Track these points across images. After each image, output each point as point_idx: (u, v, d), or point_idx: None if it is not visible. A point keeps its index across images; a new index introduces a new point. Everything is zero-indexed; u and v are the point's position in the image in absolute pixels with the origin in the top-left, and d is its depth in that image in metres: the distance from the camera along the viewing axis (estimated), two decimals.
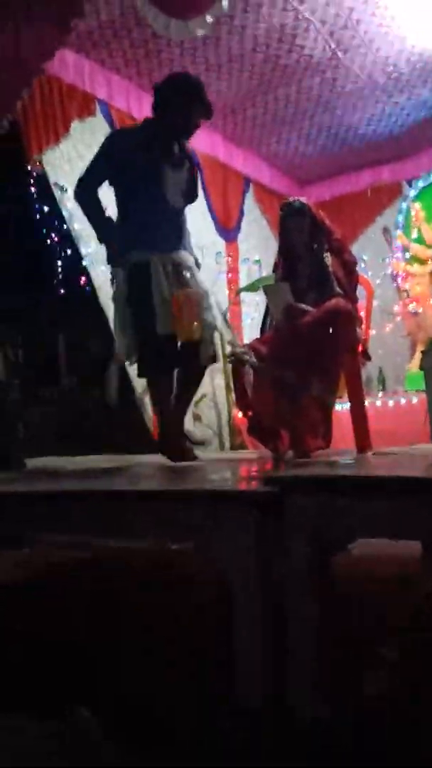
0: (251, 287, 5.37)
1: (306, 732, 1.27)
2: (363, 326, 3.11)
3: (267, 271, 5.15)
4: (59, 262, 4.63)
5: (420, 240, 5.89)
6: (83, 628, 1.85)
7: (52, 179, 4.36)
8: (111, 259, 2.81)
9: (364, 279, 3.93)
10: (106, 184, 2.79)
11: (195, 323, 2.65)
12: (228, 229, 5.84)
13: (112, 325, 4.60)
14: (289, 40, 4.36)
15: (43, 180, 4.38)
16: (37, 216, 4.54)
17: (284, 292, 2.70)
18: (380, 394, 5.42)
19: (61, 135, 4.31)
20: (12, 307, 4.55)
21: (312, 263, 2.80)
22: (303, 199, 2.91)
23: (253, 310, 5.70)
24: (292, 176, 6.53)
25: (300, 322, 2.61)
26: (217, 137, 5.60)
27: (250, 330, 5.61)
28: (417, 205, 5.93)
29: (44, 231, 4.55)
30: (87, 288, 4.65)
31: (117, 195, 2.80)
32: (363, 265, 6.11)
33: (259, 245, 6.11)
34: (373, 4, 4.04)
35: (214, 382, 5.49)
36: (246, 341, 4.88)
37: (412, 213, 5.94)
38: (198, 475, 2.30)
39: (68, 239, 4.51)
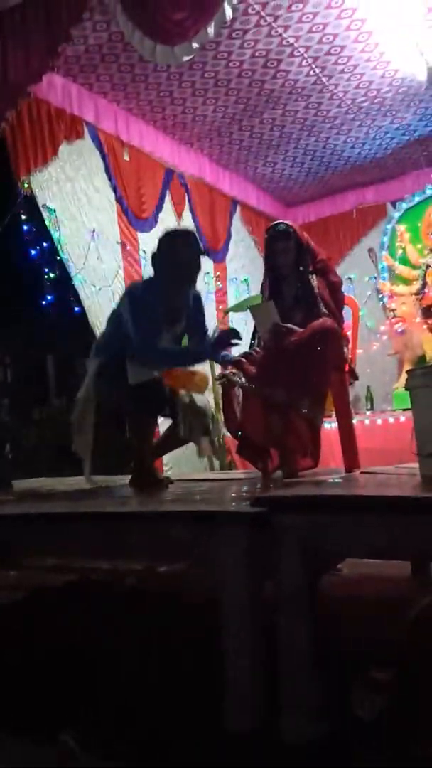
0: (239, 307, 5.40)
1: (298, 754, 1.25)
2: (350, 346, 3.14)
3: (255, 290, 5.19)
4: (48, 283, 4.63)
5: (405, 260, 5.97)
6: (73, 650, 1.83)
7: (40, 201, 4.38)
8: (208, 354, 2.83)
9: (350, 299, 3.97)
10: None
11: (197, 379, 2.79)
12: (216, 250, 5.89)
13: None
14: (274, 66, 4.44)
15: (31, 202, 4.40)
16: (26, 237, 4.55)
17: (270, 312, 2.72)
18: (368, 412, 5.45)
19: (49, 157, 4.34)
20: (0, 327, 4.55)
21: (298, 284, 2.83)
22: (288, 222, 2.95)
23: (241, 330, 5.72)
24: (278, 198, 6.61)
25: (287, 342, 2.62)
26: (205, 160, 5.67)
27: (239, 349, 5.62)
28: (402, 227, 6.02)
29: (33, 252, 4.55)
30: (76, 308, 4.66)
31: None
32: (350, 284, 6.20)
33: (246, 265, 6.17)
34: (356, 30, 4.13)
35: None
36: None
37: (397, 234, 6.03)
38: (188, 496, 2.29)
39: (57, 260, 4.52)
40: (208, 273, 5.81)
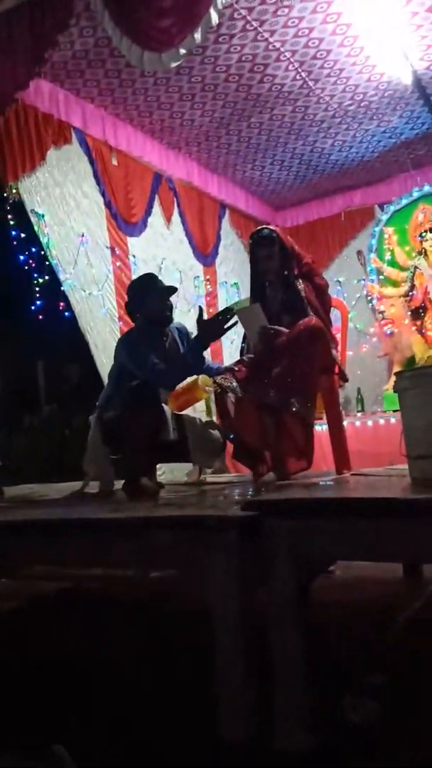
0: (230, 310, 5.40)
1: (292, 762, 1.25)
2: (339, 348, 3.15)
3: (245, 294, 5.20)
4: (37, 288, 4.62)
5: (393, 263, 6.00)
6: (65, 659, 1.82)
7: (28, 206, 4.37)
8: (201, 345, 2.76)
9: (338, 301, 3.99)
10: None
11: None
12: (205, 254, 5.90)
13: (94, 349, 4.64)
14: (261, 70, 4.46)
15: (20, 207, 4.39)
16: (14, 243, 4.53)
17: (257, 315, 2.72)
18: (359, 414, 5.46)
19: (37, 162, 4.33)
20: None
21: (284, 289, 2.83)
22: (272, 227, 2.95)
23: (231, 333, 5.73)
24: (267, 201, 6.63)
25: (275, 343, 2.63)
26: (193, 164, 5.68)
27: (230, 353, 5.63)
28: (390, 229, 6.05)
29: (21, 258, 4.54)
30: (66, 313, 4.65)
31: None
32: (339, 287, 6.22)
33: (236, 269, 6.18)
34: (341, 35, 4.16)
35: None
36: (225, 364, 4.90)
37: (385, 236, 6.06)
38: (179, 500, 2.29)
39: (46, 265, 4.51)
40: (197, 277, 5.82)
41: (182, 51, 3.53)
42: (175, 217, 5.57)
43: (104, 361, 4.70)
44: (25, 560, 1.98)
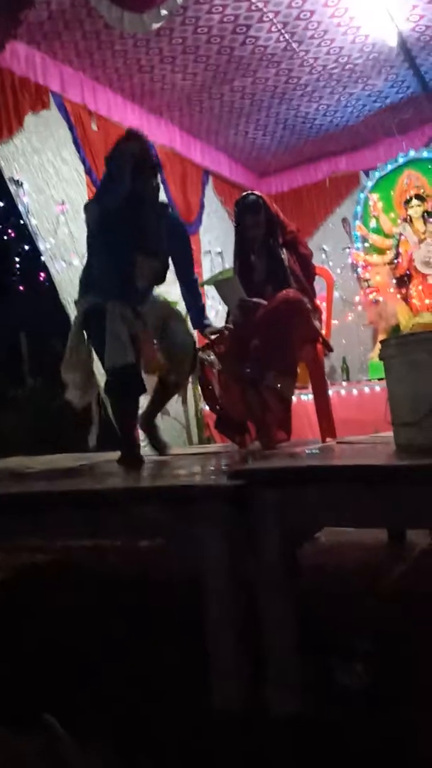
0: (214, 279, 5.36)
1: (285, 728, 1.27)
2: (323, 317, 3.13)
3: (230, 262, 5.15)
4: (17, 258, 4.55)
5: (378, 230, 5.96)
6: (57, 632, 1.83)
7: (6, 174, 4.27)
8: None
9: (323, 270, 3.96)
10: None
11: (155, 359, 2.64)
12: (189, 222, 5.82)
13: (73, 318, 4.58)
14: (243, 32, 4.35)
15: None
16: None
17: (235, 287, 2.70)
18: (344, 383, 5.48)
19: (14, 129, 4.22)
20: None
21: (268, 258, 2.80)
22: (258, 193, 2.91)
23: (217, 303, 5.69)
24: (250, 168, 6.54)
25: (254, 316, 2.61)
26: (175, 129, 5.57)
27: (215, 323, 5.59)
28: (375, 196, 5.99)
29: (0, 227, 4.46)
30: (46, 283, 4.59)
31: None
32: (324, 255, 6.18)
33: (220, 237, 6.11)
34: None
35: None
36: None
37: (370, 203, 6.01)
38: (166, 471, 2.29)
39: (25, 235, 4.43)
40: None
41: (163, 12, 3.43)
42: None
43: (85, 333, 4.65)
44: (11, 534, 1.98)
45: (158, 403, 2.89)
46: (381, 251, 5.93)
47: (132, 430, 2.66)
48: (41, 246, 4.44)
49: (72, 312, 4.57)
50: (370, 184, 6.09)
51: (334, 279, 4.19)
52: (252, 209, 2.77)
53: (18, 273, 4.57)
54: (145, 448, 3.89)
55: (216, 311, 5.72)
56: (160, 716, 1.35)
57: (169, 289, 5.28)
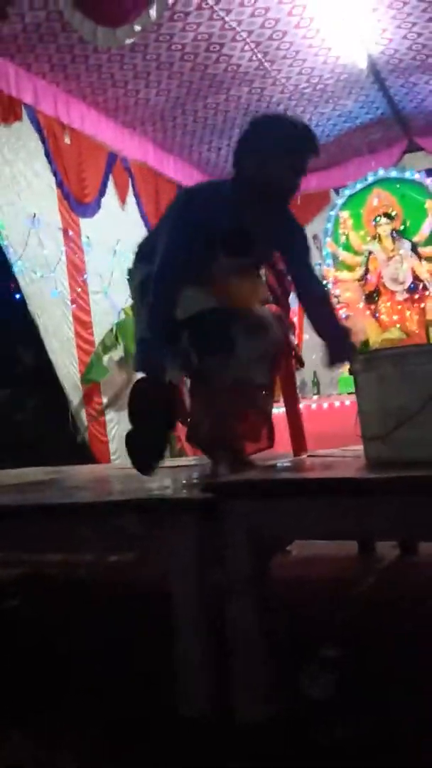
0: None
1: (250, 736, 1.27)
2: (296, 332, 3.17)
3: None
4: None
5: (348, 247, 6.06)
6: (27, 645, 1.80)
7: None
8: None
9: None
10: None
11: None
12: None
13: (45, 333, 4.55)
14: (217, 50, 4.41)
15: None
16: None
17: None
18: (315, 397, 5.53)
19: None
20: None
21: None
22: None
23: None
24: None
25: None
26: (148, 143, 5.60)
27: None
28: (345, 214, 6.10)
29: None
30: (16, 295, 4.55)
31: None
32: None
33: None
34: (297, 16, 4.14)
35: None
36: None
37: (340, 221, 6.11)
38: (136, 484, 2.28)
39: None
40: None
41: (137, 27, 3.46)
42: (130, 198, 5.49)
43: (55, 345, 4.63)
44: None
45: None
46: (351, 268, 6.02)
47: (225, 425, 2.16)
48: (11, 258, 4.41)
49: (41, 324, 4.55)
50: (340, 201, 6.19)
51: None
52: None
53: None
54: (117, 461, 3.84)
55: None
56: (127, 724, 1.33)
57: None
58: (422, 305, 5.69)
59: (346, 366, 3.38)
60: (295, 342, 2.95)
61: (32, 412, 5.82)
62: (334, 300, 6.06)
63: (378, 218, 5.83)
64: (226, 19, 4.10)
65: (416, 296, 5.71)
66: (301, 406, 3.11)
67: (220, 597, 1.39)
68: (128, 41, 3.61)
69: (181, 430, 4.02)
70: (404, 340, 5.59)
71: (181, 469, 2.79)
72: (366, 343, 5.73)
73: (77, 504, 1.70)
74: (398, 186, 5.82)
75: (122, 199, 5.41)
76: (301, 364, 2.99)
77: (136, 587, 2.23)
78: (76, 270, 4.89)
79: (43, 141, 4.66)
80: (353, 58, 4.62)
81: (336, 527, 1.39)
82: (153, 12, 3.49)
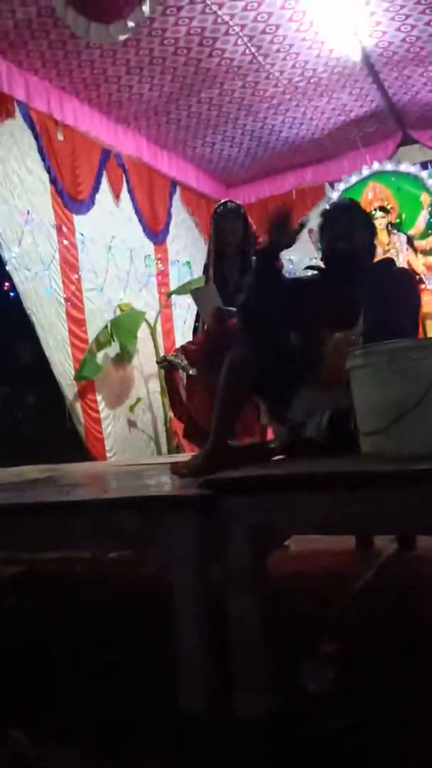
0: (182, 290, 5.39)
1: (251, 730, 1.28)
2: None
3: (197, 272, 5.17)
4: None
5: None
6: (24, 643, 1.80)
7: None
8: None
9: None
10: None
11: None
12: (156, 232, 5.83)
13: (41, 330, 4.54)
14: (210, 44, 4.39)
15: None
16: None
17: (211, 295, 2.71)
18: None
19: None
20: None
21: (242, 266, 2.83)
22: (237, 202, 2.93)
23: (184, 313, 5.71)
24: (218, 179, 6.58)
25: (228, 325, 2.63)
26: (142, 139, 5.58)
27: (182, 333, 5.61)
28: None
29: None
30: (11, 293, 4.53)
31: None
32: (290, 265, 6.24)
33: (188, 246, 6.13)
34: (290, 10, 4.12)
35: (149, 386, 5.47)
36: (178, 344, 4.88)
37: None
38: (134, 482, 2.28)
39: None
40: (149, 255, 5.76)
41: (130, 24, 3.45)
42: (124, 194, 5.48)
43: (50, 343, 4.62)
44: None
45: None
46: None
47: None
48: (5, 255, 4.39)
49: (36, 321, 4.54)
50: (335, 195, 6.18)
51: None
52: (232, 215, 2.79)
53: None
54: (112, 459, 3.83)
55: (184, 321, 5.73)
56: (129, 719, 1.34)
57: (136, 299, 5.27)
58: None
59: None
60: None
61: (29, 410, 5.82)
62: None
63: (373, 211, 5.82)
64: (219, 12, 4.08)
65: None
66: None
67: (219, 592, 1.39)
68: (121, 37, 3.59)
69: (178, 426, 4.03)
70: None
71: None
72: None
73: (74, 502, 1.69)
74: (393, 179, 5.81)
75: (116, 195, 5.39)
76: None
77: (135, 584, 2.23)
78: (70, 267, 4.88)
79: (36, 138, 4.64)
80: (347, 51, 4.60)
81: (334, 521, 1.39)
82: (146, 8, 3.47)
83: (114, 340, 5.02)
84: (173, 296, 5.76)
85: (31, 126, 4.60)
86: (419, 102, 5.46)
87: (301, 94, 5.19)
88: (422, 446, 1.42)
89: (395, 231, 5.74)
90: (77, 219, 4.96)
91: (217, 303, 2.69)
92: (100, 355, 4.95)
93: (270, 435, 2.82)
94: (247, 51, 4.51)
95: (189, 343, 2.86)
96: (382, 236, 5.78)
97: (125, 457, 4.89)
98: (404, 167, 5.78)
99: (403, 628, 1.64)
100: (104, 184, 5.25)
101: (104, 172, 5.25)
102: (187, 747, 1.25)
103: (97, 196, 5.15)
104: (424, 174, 5.73)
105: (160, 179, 5.88)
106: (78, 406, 4.79)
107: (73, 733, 1.33)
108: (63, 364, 4.72)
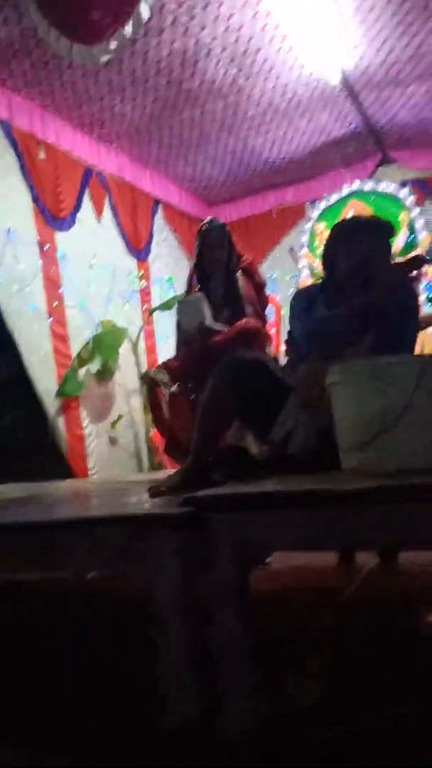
0: (165, 306, 5.40)
1: (238, 742, 1.28)
2: (273, 344, 3.20)
3: (179, 289, 5.20)
4: None
5: None
6: (8, 657, 1.78)
7: None
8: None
9: (272, 298, 4.06)
10: None
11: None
12: (138, 249, 5.86)
13: (23, 347, 4.52)
14: (192, 65, 4.45)
15: None
16: None
17: (199, 307, 2.73)
18: None
19: None
20: None
21: (225, 282, 2.86)
22: (222, 221, 2.98)
23: (167, 329, 5.72)
24: (200, 197, 6.64)
25: (212, 341, 2.65)
26: (124, 158, 5.62)
27: (165, 349, 5.61)
28: (321, 225, 6.16)
29: None
30: None
31: None
32: (272, 283, 6.30)
33: (170, 264, 6.16)
34: (270, 32, 4.20)
35: (131, 402, 5.46)
36: (160, 361, 4.88)
37: (317, 232, 6.17)
38: (117, 500, 2.27)
39: None
40: (131, 272, 5.77)
41: (113, 45, 3.49)
42: (107, 212, 5.50)
43: (32, 361, 4.60)
44: None
45: None
46: None
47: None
48: None
49: (18, 338, 4.53)
50: (316, 214, 6.26)
51: (282, 306, 4.28)
52: (217, 232, 2.83)
53: None
54: (95, 476, 3.82)
55: (166, 337, 5.74)
56: (117, 732, 1.33)
57: (118, 316, 5.26)
58: None
59: None
60: (273, 354, 2.98)
61: (11, 426, 5.76)
62: None
63: None
64: (200, 35, 4.15)
65: None
66: None
67: (204, 608, 1.39)
68: (104, 58, 3.63)
69: (160, 441, 4.03)
70: None
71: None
72: None
73: (58, 521, 1.69)
74: (373, 198, 5.90)
75: (99, 213, 5.41)
76: None
77: (121, 600, 2.22)
78: (52, 284, 4.88)
79: (18, 156, 4.65)
80: (326, 74, 4.69)
81: (317, 538, 1.40)
82: (128, 29, 3.52)
83: (96, 357, 5.01)
84: (155, 313, 5.78)
85: (14, 144, 4.62)
86: (398, 123, 5.57)
87: (282, 115, 5.27)
88: (402, 462, 1.44)
89: None
90: (59, 236, 4.97)
91: (201, 317, 2.71)
92: (82, 372, 4.94)
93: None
94: (229, 72, 4.59)
95: (171, 359, 2.87)
96: None
97: (107, 474, 4.86)
98: (383, 186, 5.88)
99: (388, 641, 1.65)
100: (86, 201, 5.27)
101: (86, 191, 5.27)
102: (175, 760, 1.24)
103: (80, 214, 5.16)
104: (403, 193, 5.82)
105: (142, 197, 5.92)
106: (61, 422, 4.77)
107: (61, 746, 1.32)
108: (46, 381, 4.70)
